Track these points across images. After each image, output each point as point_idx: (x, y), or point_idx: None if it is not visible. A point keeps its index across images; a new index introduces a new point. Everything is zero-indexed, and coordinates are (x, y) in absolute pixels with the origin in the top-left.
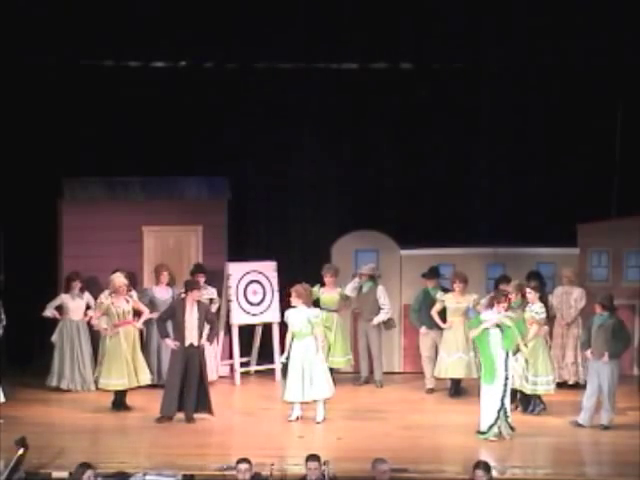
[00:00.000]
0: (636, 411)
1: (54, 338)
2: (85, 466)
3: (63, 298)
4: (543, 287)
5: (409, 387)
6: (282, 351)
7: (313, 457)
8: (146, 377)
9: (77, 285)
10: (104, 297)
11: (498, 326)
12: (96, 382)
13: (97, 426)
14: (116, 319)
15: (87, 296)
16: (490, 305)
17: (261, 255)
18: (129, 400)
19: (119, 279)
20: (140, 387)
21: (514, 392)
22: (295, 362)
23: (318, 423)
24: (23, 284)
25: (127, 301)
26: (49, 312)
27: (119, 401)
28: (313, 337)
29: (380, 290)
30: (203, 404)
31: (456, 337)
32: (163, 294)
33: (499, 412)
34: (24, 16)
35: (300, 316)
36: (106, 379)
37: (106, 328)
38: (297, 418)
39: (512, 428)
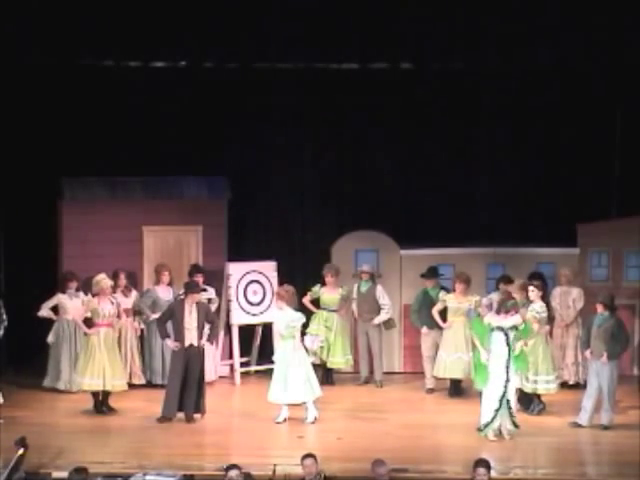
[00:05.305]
0: (636, 411)
1: (50, 339)
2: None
3: (60, 298)
4: (545, 287)
5: (409, 387)
6: None
7: (307, 455)
8: (121, 383)
9: (74, 284)
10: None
11: (506, 334)
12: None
13: (97, 426)
14: (99, 320)
15: (83, 296)
16: (497, 312)
17: (261, 255)
18: (129, 400)
19: (104, 281)
20: (140, 387)
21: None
22: (278, 363)
23: (310, 423)
24: (23, 284)
25: (112, 303)
26: (44, 312)
27: (99, 403)
28: (293, 341)
29: (379, 290)
30: (197, 404)
31: (456, 337)
32: (166, 294)
33: (496, 412)
34: (24, 16)
35: (281, 318)
36: (80, 378)
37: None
38: (284, 420)
39: (517, 425)
